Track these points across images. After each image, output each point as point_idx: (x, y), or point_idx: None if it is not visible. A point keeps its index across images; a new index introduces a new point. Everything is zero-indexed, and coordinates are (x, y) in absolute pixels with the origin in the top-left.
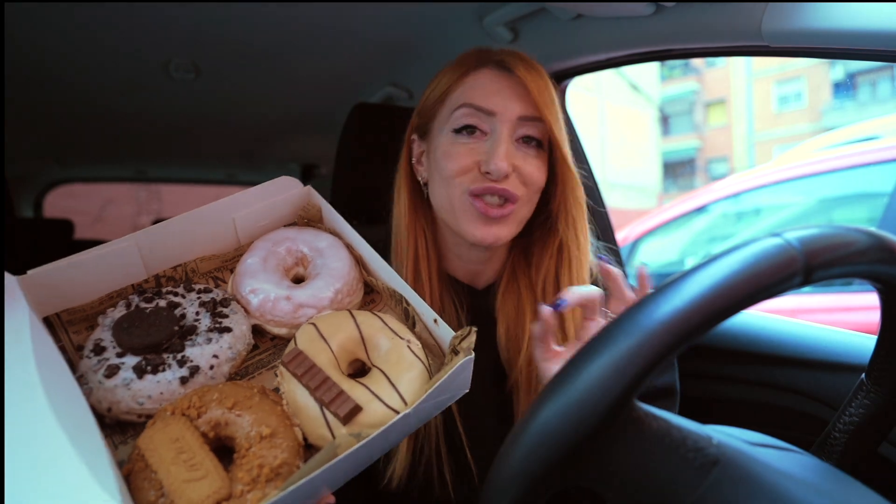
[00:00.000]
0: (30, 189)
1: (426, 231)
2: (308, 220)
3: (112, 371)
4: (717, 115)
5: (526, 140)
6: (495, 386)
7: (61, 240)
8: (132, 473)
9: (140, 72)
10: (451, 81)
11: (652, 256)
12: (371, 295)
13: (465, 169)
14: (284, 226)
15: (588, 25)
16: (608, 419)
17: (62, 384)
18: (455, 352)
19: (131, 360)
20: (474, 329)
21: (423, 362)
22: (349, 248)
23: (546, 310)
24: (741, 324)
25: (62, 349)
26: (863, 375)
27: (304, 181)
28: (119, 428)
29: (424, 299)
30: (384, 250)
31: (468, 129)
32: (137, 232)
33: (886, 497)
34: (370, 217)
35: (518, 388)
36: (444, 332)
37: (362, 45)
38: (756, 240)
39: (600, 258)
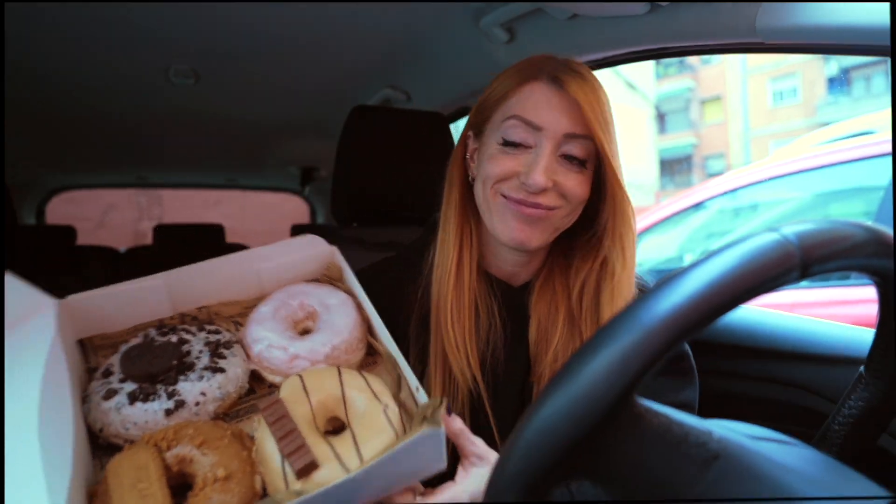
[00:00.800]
0: (32, 196)
1: (473, 226)
2: (330, 278)
3: (109, 394)
4: (713, 112)
5: (569, 158)
6: (524, 381)
7: (63, 246)
8: (96, 495)
9: (140, 78)
10: (508, 88)
11: (650, 253)
12: (374, 356)
13: (506, 176)
14: (306, 281)
15: (584, 25)
16: (609, 415)
17: (60, 404)
18: (424, 420)
19: (129, 387)
20: (445, 400)
21: (394, 429)
22: (359, 308)
23: None
24: (740, 319)
25: (89, 370)
26: (861, 368)
27: (304, 184)
28: (108, 450)
29: (464, 293)
30: (421, 248)
31: (513, 145)
32: (170, 272)
33: (887, 488)
34: (370, 220)
35: (540, 381)
36: (424, 400)
37: (360, 48)
38: (753, 235)
39: None
